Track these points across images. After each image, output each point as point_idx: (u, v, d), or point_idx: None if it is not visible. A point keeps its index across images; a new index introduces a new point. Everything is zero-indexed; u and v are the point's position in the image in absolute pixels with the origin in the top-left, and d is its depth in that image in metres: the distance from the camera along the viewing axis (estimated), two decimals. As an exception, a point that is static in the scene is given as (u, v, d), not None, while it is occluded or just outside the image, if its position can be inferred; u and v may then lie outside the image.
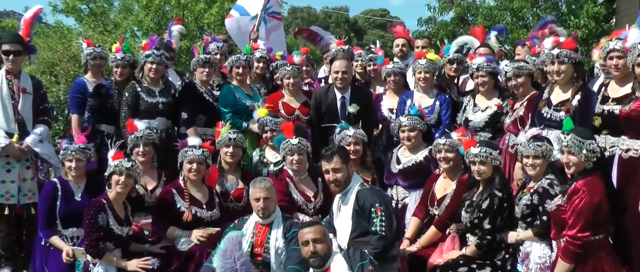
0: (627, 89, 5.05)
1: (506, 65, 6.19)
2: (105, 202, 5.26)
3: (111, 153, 5.50)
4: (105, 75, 7.30)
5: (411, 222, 5.81)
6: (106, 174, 5.41)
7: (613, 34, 5.40)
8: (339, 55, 7.40)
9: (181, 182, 5.73)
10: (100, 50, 7.08)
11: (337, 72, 6.74)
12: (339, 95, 6.68)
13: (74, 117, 6.85)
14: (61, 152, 5.68)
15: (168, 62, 6.93)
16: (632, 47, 4.87)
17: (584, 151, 4.45)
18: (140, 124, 6.12)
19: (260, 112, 6.51)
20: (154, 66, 6.58)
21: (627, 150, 4.88)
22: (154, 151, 6.08)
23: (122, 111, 6.51)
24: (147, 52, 6.60)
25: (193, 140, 5.93)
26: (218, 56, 7.43)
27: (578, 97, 5.36)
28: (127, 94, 6.52)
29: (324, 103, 6.65)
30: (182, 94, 6.79)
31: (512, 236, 5.08)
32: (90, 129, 6.36)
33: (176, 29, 8.15)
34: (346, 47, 7.61)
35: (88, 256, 5.22)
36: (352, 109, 6.53)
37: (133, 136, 5.98)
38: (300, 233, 4.71)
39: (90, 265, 5.19)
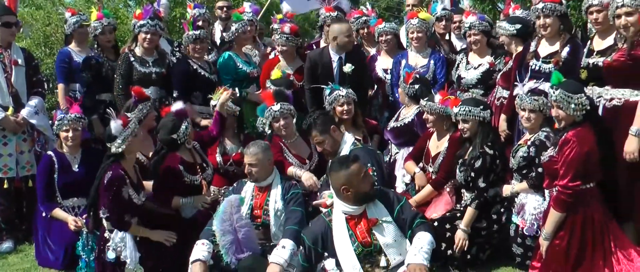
0: (609, 41, 5.09)
1: (499, 27, 6.24)
2: (123, 173, 5.07)
3: (118, 123, 5.09)
4: (89, 44, 7.23)
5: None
6: (119, 141, 5.06)
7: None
8: (337, 21, 7.28)
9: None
10: (85, 17, 7.04)
11: (348, 36, 6.61)
12: (335, 57, 6.68)
13: (60, 87, 6.90)
14: (56, 122, 5.66)
15: (162, 31, 6.91)
16: (611, 0, 4.90)
17: (572, 105, 4.48)
18: (147, 91, 6.11)
19: (275, 74, 6.59)
20: (149, 36, 6.60)
21: (611, 99, 4.92)
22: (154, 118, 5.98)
23: (115, 81, 6.55)
24: (142, 22, 6.61)
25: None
26: (200, 23, 7.27)
27: (567, 49, 5.41)
28: (120, 63, 6.55)
29: (319, 65, 6.65)
30: (175, 71, 6.72)
31: (507, 189, 5.16)
32: (82, 100, 6.38)
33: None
34: (335, 13, 7.54)
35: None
36: (347, 68, 6.55)
37: (129, 102, 5.91)
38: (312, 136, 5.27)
39: (107, 232, 5.09)
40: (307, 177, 5.65)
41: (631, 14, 4.69)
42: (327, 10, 7.65)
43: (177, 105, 5.71)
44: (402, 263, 4.32)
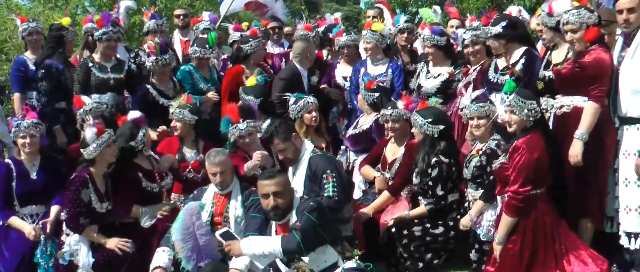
0: (563, 53, 5.30)
1: (464, 33, 6.36)
2: (88, 176, 5.14)
3: (92, 130, 5.20)
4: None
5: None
6: (91, 148, 5.12)
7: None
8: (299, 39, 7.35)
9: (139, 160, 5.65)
10: (35, 25, 6.98)
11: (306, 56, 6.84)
12: (304, 72, 6.85)
13: (17, 96, 6.81)
14: (13, 130, 5.56)
15: (121, 37, 6.89)
16: (559, 15, 5.14)
17: (526, 110, 4.62)
18: (88, 99, 6.06)
19: (250, 81, 6.57)
20: (108, 42, 6.57)
21: (561, 107, 5.09)
22: (104, 123, 5.86)
23: (74, 87, 6.53)
24: (104, 30, 6.57)
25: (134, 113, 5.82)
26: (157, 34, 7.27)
27: (522, 61, 5.61)
28: (79, 69, 6.54)
29: (293, 80, 6.75)
30: (135, 99, 6.66)
31: (465, 221, 5.23)
32: (38, 110, 6.27)
33: (124, 5, 8.06)
34: (313, 34, 7.59)
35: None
36: (314, 79, 6.70)
37: (82, 109, 5.90)
38: (260, 184, 4.62)
39: (64, 236, 5.12)
40: (257, 155, 5.56)
41: (575, 31, 4.88)
42: (264, 24, 7.71)
43: (135, 114, 5.72)
44: (332, 266, 4.50)
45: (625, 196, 4.87)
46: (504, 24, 5.69)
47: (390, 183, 5.75)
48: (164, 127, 6.32)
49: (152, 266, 4.78)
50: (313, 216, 4.42)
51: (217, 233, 4.72)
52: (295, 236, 4.37)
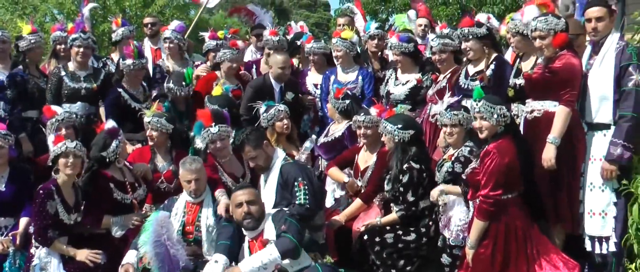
0: (532, 62, 5.41)
1: (433, 40, 6.40)
2: (53, 188, 5.07)
3: (51, 138, 5.36)
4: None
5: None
6: (50, 159, 5.20)
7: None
8: (279, 48, 7.32)
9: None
10: (1, 34, 6.85)
11: (282, 68, 6.75)
12: (276, 86, 6.79)
13: None
14: None
15: (94, 45, 6.84)
16: (528, 23, 5.22)
17: (495, 116, 4.68)
18: (59, 109, 6.00)
19: (216, 91, 6.54)
20: (81, 50, 6.54)
21: (532, 111, 5.15)
22: (75, 134, 5.84)
23: (47, 97, 6.48)
24: (74, 36, 6.54)
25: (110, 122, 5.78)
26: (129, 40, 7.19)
27: (492, 66, 5.72)
28: (51, 78, 6.51)
29: (263, 92, 6.71)
30: (107, 103, 6.60)
31: (435, 192, 5.23)
32: (7, 120, 6.20)
33: (87, 9, 7.97)
34: (278, 38, 7.51)
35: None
36: (288, 96, 6.68)
37: (53, 119, 5.82)
38: (234, 196, 4.82)
39: (33, 249, 5.07)
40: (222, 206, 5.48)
41: (544, 37, 4.95)
42: (272, 33, 7.66)
43: (110, 123, 5.68)
44: (307, 266, 4.73)
45: (590, 200, 4.96)
46: (485, 28, 5.85)
47: (362, 191, 5.76)
48: (139, 145, 6.31)
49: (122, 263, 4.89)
50: (294, 219, 4.73)
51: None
52: (287, 236, 4.60)
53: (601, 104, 4.92)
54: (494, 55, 5.81)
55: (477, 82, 5.63)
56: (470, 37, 5.80)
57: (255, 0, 9.27)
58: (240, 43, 7.20)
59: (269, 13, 9.15)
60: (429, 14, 8.89)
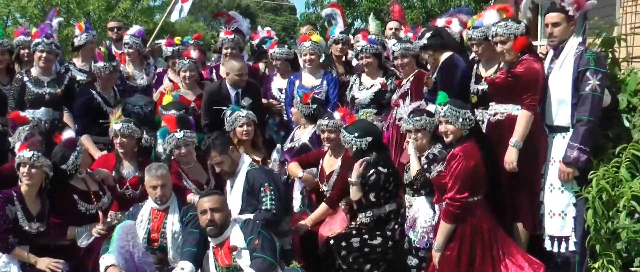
0: (494, 68, 5.47)
1: (394, 45, 6.43)
2: (15, 194, 5.01)
3: (17, 145, 5.28)
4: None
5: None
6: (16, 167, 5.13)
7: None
8: (234, 47, 7.38)
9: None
10: None
11: (239, 75, 6.71)
12: (232, 92, 6.74)
13: None
14: None
15: (58, 50, 6.76)
16: (488, 28, 5.31)
17: (460, 120, 4.75)
18: (29, 115, 5.95)
19: (166, 99, 6.52)
20: (44, 55, 6.44)
21: (495, 114, 5.25)
22: (41, 142, 5.68)
23: (9, 103, 6.38)
24: (37, 40, 6.45)
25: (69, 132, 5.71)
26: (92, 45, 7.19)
27: (437, 70, 5.81)
28: (14, 84, 6.41)
29: (218, 98, 6.68)
30: (77, 104, 6.54)
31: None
32: None
33: (56, 22, 7.89)
34: (233, 36, 7.54)
35: None
36: (245, 102, 6.61)
37: (21, 128, 5.75)
38: (199, 202, 4.81)
39: None
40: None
41: (505, 42, 5.07)
42: (226, 33, 7.70)
43: (67, 134, 5.58)
44: None
45: (550, 201, 5.08)
46: (428, 34, 5.85)
47: (327, 195, 5.79)
48: (105, 150, 6.26)
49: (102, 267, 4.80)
50: (266, 231, 4.72)
51: None
52: (262, 256, 4.60)
53: (560, 107, 5.03)
54: (448, 54, 5.80)
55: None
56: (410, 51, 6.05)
57: (220, 6, 9.26)
58: (193, 53, 7.14)
59: (247, 20, 9.12)
60: (402, 16, 8.93)
